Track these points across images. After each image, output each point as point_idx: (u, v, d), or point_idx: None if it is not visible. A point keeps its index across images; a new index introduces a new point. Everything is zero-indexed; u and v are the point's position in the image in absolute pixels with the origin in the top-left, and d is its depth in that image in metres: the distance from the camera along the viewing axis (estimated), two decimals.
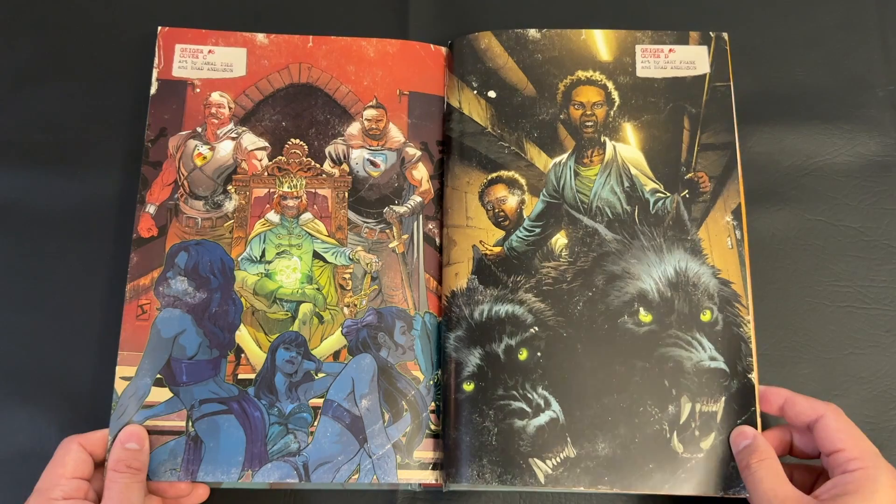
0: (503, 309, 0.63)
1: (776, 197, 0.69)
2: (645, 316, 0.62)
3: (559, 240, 0.65)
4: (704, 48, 0.69)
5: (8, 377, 0.66)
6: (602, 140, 0.67)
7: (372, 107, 0.69)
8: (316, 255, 0.65)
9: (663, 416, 0.60)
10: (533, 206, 0.66)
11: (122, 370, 0.61)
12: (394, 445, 0.60)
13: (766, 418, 0.60)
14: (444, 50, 0.71)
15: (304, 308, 0.64)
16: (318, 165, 0.68)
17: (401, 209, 0.67)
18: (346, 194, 0.67)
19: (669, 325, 0.62)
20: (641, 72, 0.68)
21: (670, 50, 0.69)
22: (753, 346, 0.61)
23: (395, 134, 0.68)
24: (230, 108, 0.69)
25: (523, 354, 0.62)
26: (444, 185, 0.67)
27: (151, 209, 0.66)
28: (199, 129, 0.68)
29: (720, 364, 0.61)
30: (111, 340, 0.64)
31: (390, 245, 0.66)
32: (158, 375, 0.61)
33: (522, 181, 0.66)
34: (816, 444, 0.56)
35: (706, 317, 0.62)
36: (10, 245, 0.69)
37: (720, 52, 0.68)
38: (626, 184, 0.66)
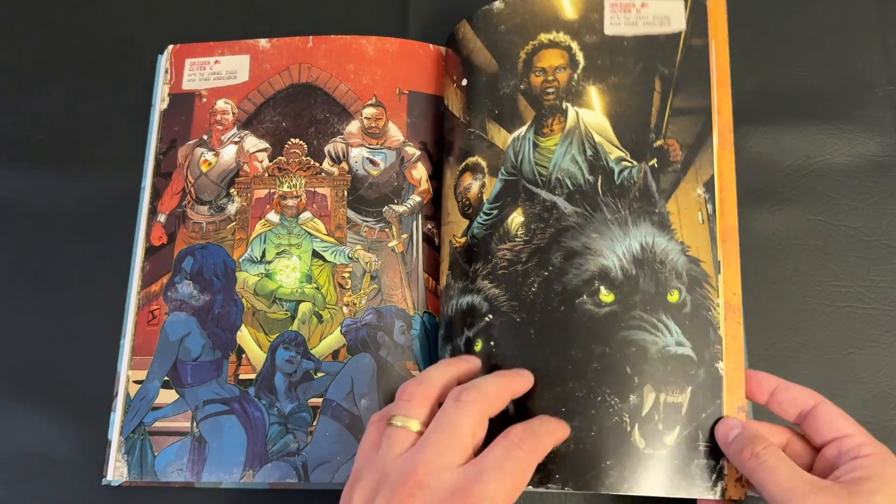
0: (465, 301, 0.59)
1: (776, 197, 0.68)
2: (606, 295, 0.56)
3: (515, 218, 0.59)
4: (680, 3, 0.62)
5: (8, 377, 0.66)
6: (564, 107, 0.61)
7: (371, 105, 0.69)
8: (315, 254, 0.65)
9: (624, 406, 0.53)
10: (492, 187, 0.61)
11: (135, 374, 0.63)
12: None
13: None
14: (442, 50, 0.71)
15: (304, 307, 0.64)
16: (317, 164, 0.68)
17: (400, 208, 0.67)
18: (346, 193, 0.67)
19: (633, 306, 0.55)
20: (610, 29, 0.61)
21: (643, 4, 0.62)
22: (722, 332, 0.55)
23: (395, 133, 0.68)
24: (234, 114, 0.69)
25: (479, 345, 0.57)
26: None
27: (162, 218, 0.67)
28: (205, 137, 0.69)
29: (687, 350, 0.54)
30: (112, 340, 0.64)
31: (390, 244, 0.66)
32: (166, 378, 0.62)
33: (483, 164, 0.61)
34: (813, 431, 0.52)
35: (673, 297, 0.55)
36: (9, 245, 0.70)
37: (698, 7, 0.62)
38: (589, 152, 0.59)
